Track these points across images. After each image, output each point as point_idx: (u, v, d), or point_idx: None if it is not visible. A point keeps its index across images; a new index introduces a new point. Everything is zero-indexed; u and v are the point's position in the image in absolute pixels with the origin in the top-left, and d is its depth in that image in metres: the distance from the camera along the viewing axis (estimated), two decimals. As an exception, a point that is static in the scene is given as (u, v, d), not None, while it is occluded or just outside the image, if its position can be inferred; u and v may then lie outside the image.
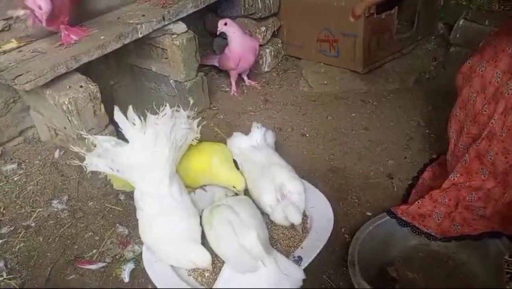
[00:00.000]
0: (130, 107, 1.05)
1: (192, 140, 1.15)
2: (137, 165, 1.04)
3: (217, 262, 1.05)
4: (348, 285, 1.02)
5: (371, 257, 1.06)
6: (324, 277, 1.05)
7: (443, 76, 1.80)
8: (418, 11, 1.92)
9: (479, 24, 1.78)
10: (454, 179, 1.11)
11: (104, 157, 1.05)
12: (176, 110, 1.10)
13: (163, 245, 1.04)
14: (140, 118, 1.03)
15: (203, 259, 1.01)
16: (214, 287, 0.98)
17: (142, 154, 1.03)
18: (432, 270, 1.08)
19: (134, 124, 1.03)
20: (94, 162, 1.05)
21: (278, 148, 1.49)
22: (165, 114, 1.06)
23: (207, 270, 1.04)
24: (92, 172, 1.35)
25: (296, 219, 1.08)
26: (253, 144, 1.26)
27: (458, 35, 1.85)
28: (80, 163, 1.07)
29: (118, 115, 1.04)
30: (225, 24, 1.65)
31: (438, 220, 1.10)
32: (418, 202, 1.13)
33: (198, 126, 1.18)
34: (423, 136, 1.50)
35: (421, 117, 1.58)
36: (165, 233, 1.03)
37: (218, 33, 1.69)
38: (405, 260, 1.10)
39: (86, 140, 1.31)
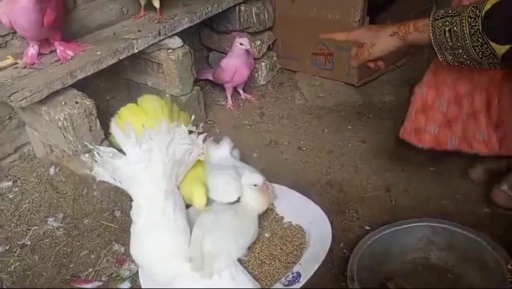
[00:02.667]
0: (127, 121, 1.05)
1: (199, 155, 1.14)
2: (133, 178, 1.04)
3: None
4: (347, 300, 1.01)
5: (370, 272, 1.06)
6: (324, 293, 1.04)
7: (437, 87, 1.81)
8: (411, 24, 1.94)
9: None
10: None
11: (106, 168, 1.04)
12: (176, 125, 1.09)
13: (147, 259, 1.02)
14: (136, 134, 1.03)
15: (192, 282, 0.98)
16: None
17: (137, 167, 1.03)
18: (431, 283, 1.07)
19: (130, 138, 1.03)
20: (101, 172, 1.04)
21: (275, 162, 1.50)
22: (160, 130, 1.05)
23: None
24: (87, 189, 1.35)
25: (258, 179, 1.10)
26: (220, 155, 1.26)
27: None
28: (90, 172, 1.05)
29: (114, 128, 1.04)
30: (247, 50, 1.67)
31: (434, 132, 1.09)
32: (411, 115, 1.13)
33: (204, 141, 1.17)
34: (419, 148, 1.50)
35: (416, 129, 1.59)
36: (151, 248, 1.02)
37: (245, 48, 1.67)
38: (404, 274, 1.09)
39: (82, 157, 1.32)
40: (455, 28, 0.88)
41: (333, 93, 1.83)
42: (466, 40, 0.87)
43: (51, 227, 1.27)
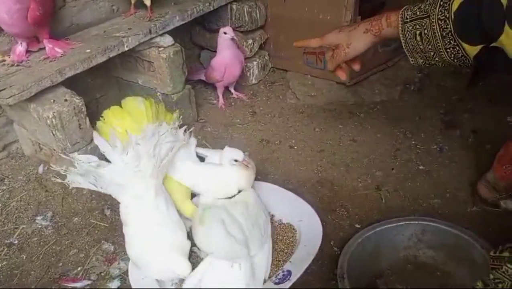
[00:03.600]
0: (112, 133, 1.05)
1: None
2: (120, 184, 1.03)
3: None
4: (337, 298, 1.02)
5: (360, 270, 1.06)
6: (314, 291, 1.05)
7: (428, 87, 1.83)
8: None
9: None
10: None
11: (86, 176, 1.03)
12: (160, 125, 1.09)
13: (147, 257, 1.02)
14: (121, 141, 1.02)
15: (184, 269, 0.99)
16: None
17: (125, 174, 1.02)
18: (420, 281, 1.08)
19: (116, 146, 1.02)
20: (77, 180, 1.03)
21: (266, 160, 1.50)
22: (145, 134, 1.05)
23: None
24: (77, 188, 1.34)
25: (238, 154, 1.12)
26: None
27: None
28: (62, 181, 1.05)
29: (97, 138, 1.03)
30: (232, 39, 1.66)
31: None
32: None
33: (186, 132, 1.18)
34: (410, 148, 1.51)
35: (407, 128, 1.60)
36: (151, 244, 1.02)
37: (230, 37, 1.66)
38: (394, 272, 1.10)
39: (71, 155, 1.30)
40: (426, 31, 0.87)
41: (325, 92, 1.83)
42: (438, 43, 0.86)
43: (40, 226, 1.25)
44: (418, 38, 0.89)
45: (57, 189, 1.37)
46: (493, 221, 1.20)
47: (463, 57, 0.85)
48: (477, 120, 1.61)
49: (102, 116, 1.33)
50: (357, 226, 1.22)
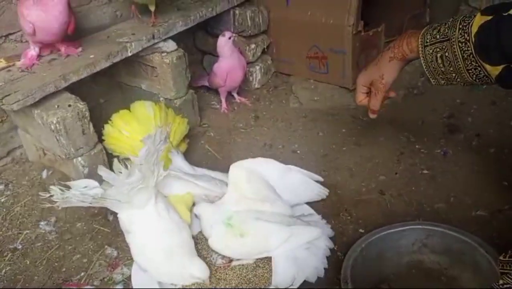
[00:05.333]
0: (116, 160, 1.05)
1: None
2: (124, 201, 1.03)
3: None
4: (341, 303, 1.01)
5: (364, 275, 1.05)
6: (318, 296, 1.04)
7: (431, 91, 1.82)
8: (404, 28, 1.95)
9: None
10: None
11: (84, 200, 1.02)
12: (160, 135, 1.07)
13: (159, 264, 1.03)
14: (126, 167, 1.01)
15: (202, 271, 1.02)
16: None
17: (130, 193, 1.01)
18: (425, 287, 1.07)
19: (121, 173, 1.00)
20: (69, 201, 1.01)
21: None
22: (147, 153, 1.03)
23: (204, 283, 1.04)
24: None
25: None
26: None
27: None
28: (51, 205, 1.04)
29: (101, 169, 1.01)
30: (230, 38, 1.67)
31: None
32: None
33: (169, 134, 1.19)
34: (413, 151, 1.51)
35: (410, 132, 1.59)
36: (160, 251, 1.03)
37: (228, 37, 1.67)
38: (398, 277, 1.09)
39: (75, 161, 1.31)
40: (446, 54, 0.89)
41: (328, 97, 1.83)
42: (459, 64, 0.87)
43: (43, 231, 1.26)
44: (439, 60, 0.91)
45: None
46: (497, 226, 1.19)
47: (485, 77, 0.86)
48: (481, 124, 1.60)
49: (110, 120, 1.34)
50: (361, 230, 1.21)
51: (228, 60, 1.70)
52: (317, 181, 1.30)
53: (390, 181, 1.39)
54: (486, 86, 1.79)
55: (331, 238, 1.13)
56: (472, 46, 0.84)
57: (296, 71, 1.96)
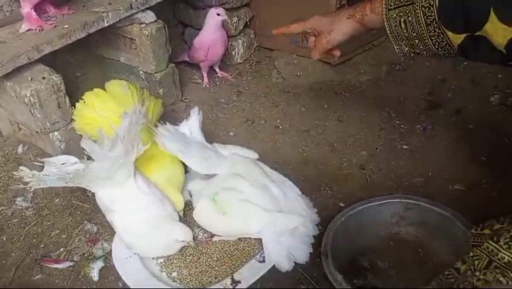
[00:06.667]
0: (85, 136, 1.03)
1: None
2: (105, 177, 1.00)
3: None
4: (321, 275, 1.03)
5: (343, 248, 1.07)
6: (298, 268, 1.05)
7: (412, 67, 1.82)
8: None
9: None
10: None
11: (62, 177, 0.99)
12: (138, 111, 1.04)
13: (145, 238, 1.02)
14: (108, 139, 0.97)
15: (186, 233, 1.02)
16: None
17: (111, 168, 0.98)
18: (403, 259, 1.10)
19: (104, 144, 0.97)
20: (43, 182, 0.99)
21: (252, 140, 1.48)
22: (129, 124, 1.00)
23: (189, 245, 1.04)
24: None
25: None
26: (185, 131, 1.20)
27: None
28: (24, 186, 1.01)
29: (85, 141, 0.97)
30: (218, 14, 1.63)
31: None
32: None
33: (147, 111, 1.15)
34: (394, 127, 1.52)
35: (391, 108, 1.60)
36: (145, 225, 1.02)
37: (222, 19, 1.64)
38: (377, 250, 1.11)
39: (51, 135, 1.27)
40: (410, 18, 0.86)
41: (310, 72, 1.82)
42: (422, 30, 0.85)
43: (20, 207, 1.23)
44: (402, 25, 0.88)
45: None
46: (474, 200, 1.22)
47: (447, 45, 0.84)
48: (461, 100, 1.62)
49: (82, 98, 1.28)
50: (341, 204, 1.23)
51: (209, 34, 1.66)
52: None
53: (370, 156, 1.40)
54: (468, 62, 1.80)
55: (317, 225, 1.11)
56: (435, 11, 0.81)
57: (279, 45, 1.93)
